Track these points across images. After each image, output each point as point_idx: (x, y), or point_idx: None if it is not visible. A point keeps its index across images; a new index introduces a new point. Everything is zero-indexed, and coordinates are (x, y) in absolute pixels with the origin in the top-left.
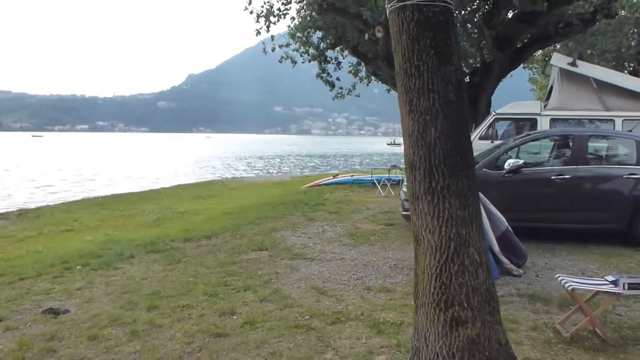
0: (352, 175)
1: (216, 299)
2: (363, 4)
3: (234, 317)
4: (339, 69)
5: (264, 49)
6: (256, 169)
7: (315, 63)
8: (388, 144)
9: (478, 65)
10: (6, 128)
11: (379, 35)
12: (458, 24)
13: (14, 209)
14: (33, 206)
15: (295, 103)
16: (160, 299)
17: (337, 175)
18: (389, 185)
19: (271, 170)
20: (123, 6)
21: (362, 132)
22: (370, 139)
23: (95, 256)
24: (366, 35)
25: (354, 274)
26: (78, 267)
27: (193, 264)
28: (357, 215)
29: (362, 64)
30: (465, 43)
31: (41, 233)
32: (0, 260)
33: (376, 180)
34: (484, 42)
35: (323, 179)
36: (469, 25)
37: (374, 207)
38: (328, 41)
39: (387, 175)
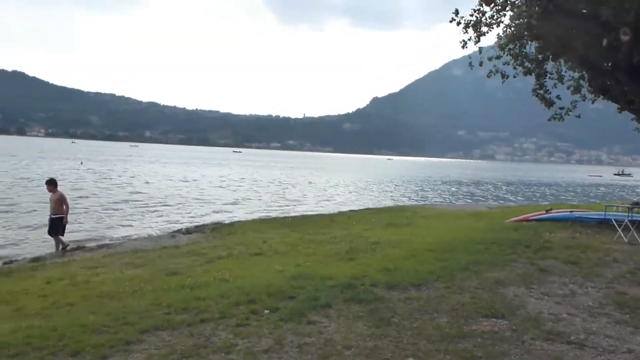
0: (571, 211)
1: None
2: (602, 3)
3: None
4: (562, 83)
5: (470, 63)
6: (445, 195)
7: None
8: (615, 174)
9: None
10: (212, 143)
11: (625, 38)
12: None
13: (210, 222)
14: (227, 220)
15: (479, 127)
16: None
17: (551, 209)
18: (633, 228)
19: (463, 198)
20: (312, 35)
21: (552, 159)
22: (563, 167)
23: (286, 297)
24: (604, 40)
25: None
26: (266, 311)
27: (408, 331)
28: (607, 270)
29: (586, 78)
30: None
31: (231, 254)
32: (187, 287)
33: (615, 220)
34: None
35: (532, 213)
36: None
37: (624, 259)
38: (548, 52)
39: (628, 214)
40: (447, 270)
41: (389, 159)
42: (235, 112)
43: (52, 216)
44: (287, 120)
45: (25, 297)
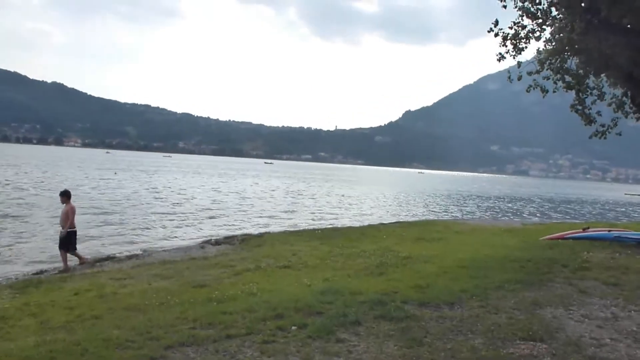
0: (609, 230)
1: None
2: None
3: None
4: (602, 100)
5: (509, 76)
6: (477, 210)
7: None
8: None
9: None
10: (245, 154)
11: None
12: None
13: (240, 234)
14: (257, 231)
15: (513, 142)
16: None
17: (589, 228)
18: None
19: (497, 214)
20: (346, 48)
21: (587, 176)
22: (598, 185)
23: (314, 312)
24: None
25: None
26: (293, 327)
27: (441, 352)
28: None
29: (628, 94)
30: None
31: (259, 267)
32: (214, 300)
33: None
34: None
35: (569, 231)
36: None
37: None
38: (590, 67)
39: None
40: (481, 289)
41: (420, 173)
42: (267, 123)
43: (67, 230)
44: (318, 132)
45: (51, 309)
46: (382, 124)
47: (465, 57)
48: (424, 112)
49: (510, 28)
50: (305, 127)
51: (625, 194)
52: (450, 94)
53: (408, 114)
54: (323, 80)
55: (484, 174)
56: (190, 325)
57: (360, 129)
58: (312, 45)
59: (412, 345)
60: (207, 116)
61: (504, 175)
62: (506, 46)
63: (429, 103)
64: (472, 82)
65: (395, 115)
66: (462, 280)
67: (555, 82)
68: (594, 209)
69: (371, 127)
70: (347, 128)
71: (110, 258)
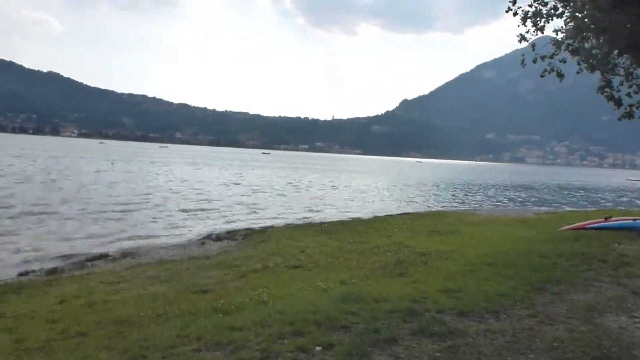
0: (635, 219)
1: None
2: None
3: None
4: (631, 79)
5: (522, 60)
6: (485, 199)
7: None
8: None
9: None
10: (242, 145)
11: None
12: None
13: (242, 228)
14: (259, 225)
15: (509, 130)
16: None
17: (611, 217)
18: None
19: (504, 203)
20: (342, 38)
21: (584, 162)
22: (596, 171)
23: (337, 327)
24: None
25: None
26: (317, 348)
27: None
28: None
29: None
30: None
31: (266, 267)
32: (219, 310)
33: None
34: None
35: (589, 221)
36: None
37: None
38: (614, 46)
39: None
40: (521, 292)
41: (419, 162)
42: (264, 113)
43: None
44: (315, 122)
45: (30, 323)
46: (379, 114)
47: (462, 45)
48: (421, 101)
49: (530, 6)
50: (302, 117)
51: (627, 179)
52: (446, 82)
53: (405, 103)
54: (320, 70)
55: (481, 162)
56: (194, 347)
57: (358, 118)
58: (309, 35)
59: None
60: (203, 107)
61: (501, 163)
62: (525, 25)
63: (426, 92)
64: (468, 70)
65: (392, 104)
66: (494, 280)
67: (578, 64)
68: (602, 195)
69: (368, 117)
70: (345, 118)
71: (103, 256)
